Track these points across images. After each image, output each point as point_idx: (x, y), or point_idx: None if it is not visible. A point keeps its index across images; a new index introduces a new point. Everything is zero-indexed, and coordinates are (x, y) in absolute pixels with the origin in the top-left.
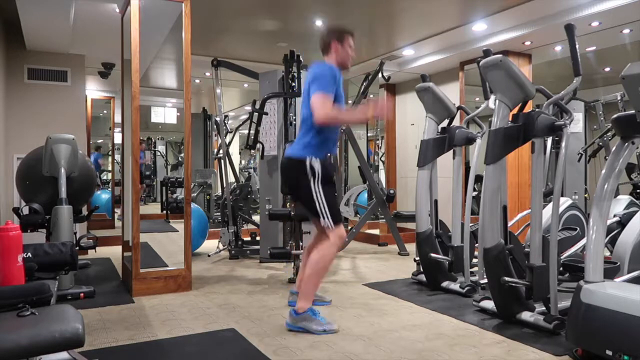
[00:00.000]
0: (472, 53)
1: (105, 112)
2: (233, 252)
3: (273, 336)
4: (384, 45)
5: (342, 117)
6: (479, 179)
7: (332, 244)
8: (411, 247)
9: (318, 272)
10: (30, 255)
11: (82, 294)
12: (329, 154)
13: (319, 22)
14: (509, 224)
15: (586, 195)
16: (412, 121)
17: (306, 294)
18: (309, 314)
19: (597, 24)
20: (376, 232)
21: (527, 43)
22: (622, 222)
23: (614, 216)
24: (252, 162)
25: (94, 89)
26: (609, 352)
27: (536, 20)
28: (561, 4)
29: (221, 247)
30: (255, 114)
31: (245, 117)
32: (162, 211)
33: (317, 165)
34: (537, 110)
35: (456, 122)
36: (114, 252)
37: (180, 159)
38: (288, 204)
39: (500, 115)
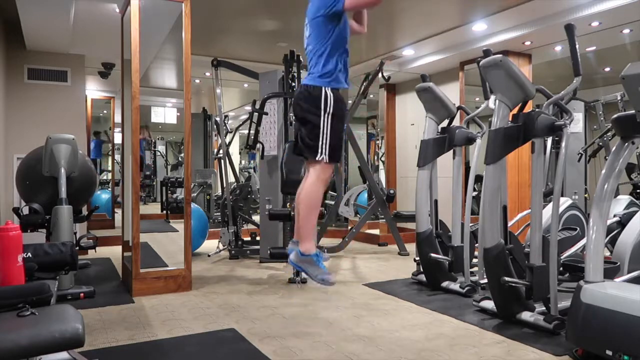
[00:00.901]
0: (472, 53)
1: (105, 112)
2: (233, 252)
3: (273, 336)
4: (384, 45)
5: None
6: (479, 179)
7: (316, 179)
8: (411, 247)
9: (310, 210)
10: (30, 255)
11: (82, 294)
12: (343, 85)
13: None
14: (509, 224)
15: (586, 195)
16: (412, 121)
17: (305, 235)
18: (313, 258)
19: (597, 24)
20: (376, 232)
21: (527, 43)
22: (622, 222)
23: (614, 216)
24: (252, 162)
25: (94, 89)
26: (609, 352)
27: (536, 20)
28: (561, 4)
29: (221, 247)
30: (255, 114)
31: (245, 117)
32: (162, 211)
33: (331, 97)
34: (537, 110)
35: (456, 122)
36: (114, 252)
37: (180, 159)
38: (288, 204)
39: (500, 115)
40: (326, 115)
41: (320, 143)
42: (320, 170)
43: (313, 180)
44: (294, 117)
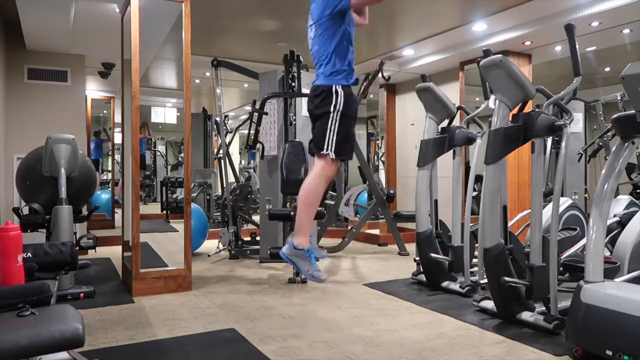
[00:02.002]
0: (472, 53)
1: (105, 112)
2: (233, 252)
3: (273, 336)
4: (384, 45)
5: None
6: (479, 179)
7: (318, 175)
8: (411, 247)
9: (309, 206)
10: (30, 255)
11: (82, 294)
12: (352, 82)
13: None
14: (509, 224)
15: (586, 195)
16: (412, 121)
17: (301, 229)
18: (306, 253)
19: (597, 24)
20: (376, 232)
21: (527, 43)
22: (622, 222)
23: (614, 216)
24: (252, 162)
25: (94, 89)
26: (609, 352)
27: (536, 20)
28: (561, 4)
29: (221, 247)
30: (255, 114)
31: (245, 117)
32: (162, 211)
33: (341, 94)
34: (537, 110)
35: (456, 122)
36: (114, 252)
37: (180, 159)
38: (288, 204)
39: (500, 115)
40: (336, 112)
41: (326, 138)
42: (323, 166)
43: (315, 174)
44: (310, 118)
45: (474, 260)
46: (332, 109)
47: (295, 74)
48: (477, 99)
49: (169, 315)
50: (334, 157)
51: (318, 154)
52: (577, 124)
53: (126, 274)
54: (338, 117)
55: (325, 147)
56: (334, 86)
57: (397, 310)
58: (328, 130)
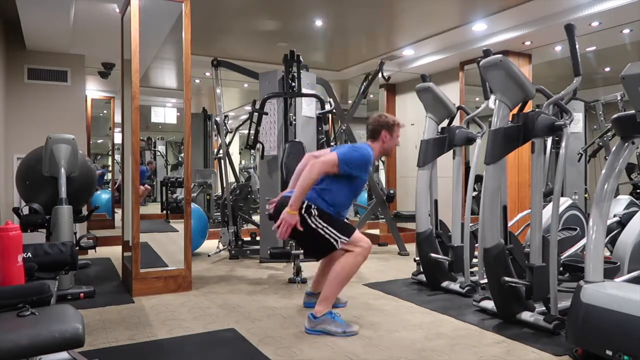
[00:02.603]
0: (472, 53)
1: (105, 112)
2: (233, 252)
3: (273, 336)
4: (384, 45)
5: (302, 187)
6: (479, 179)
7: (359, 254)
8: (411, 247)
9: (341, 281)
10: (30, 255)
11: (82, 294)
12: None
13: (319, 22)
14: (509, 224)
15: (586, 195)
16: (412, 121)
17: (326, 299)
18: (328, 316)
19: (597, 24)
20: (376, 232)
21: (527, 43)
22: (622, 222)
23: (614, 216)
24: (252, 162)
25: (94, 89)
26: (609, 352)
27: (536, 20)
28: (561, 4)
29: (221, 247)
30: (255, 114)
31: (245, 117)
32: (162, 211)
33: (315, 212)
34: (537, 110)
35: (456, 122)
36: (114, 252)
37: (180, 159)
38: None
39: (500, 115)
40: (312, 218)
41: (331, 240)
42: (354, 249)
43: (357, 252)
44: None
45: (474, 260)
46: (307, 219)
47: (295, 74)
48: (477, 99)
49: (169, 315)
50: (348, 240)
51: (335, 251)
52: (577, 124)
53: (126, 274)
54: (319, 219)
55: (337, 244)
56: (305, 201)
57: (397, 310)
58: (326, 235)
